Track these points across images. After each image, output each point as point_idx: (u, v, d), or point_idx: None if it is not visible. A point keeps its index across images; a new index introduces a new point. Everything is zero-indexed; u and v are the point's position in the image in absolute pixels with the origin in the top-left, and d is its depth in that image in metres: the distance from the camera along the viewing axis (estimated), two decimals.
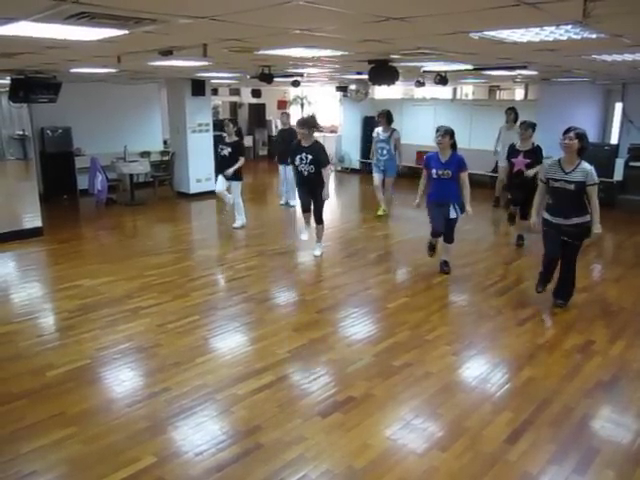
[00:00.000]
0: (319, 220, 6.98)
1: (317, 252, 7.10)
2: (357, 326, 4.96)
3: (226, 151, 8.25)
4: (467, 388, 3.91)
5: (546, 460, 3.07)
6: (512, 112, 9.50)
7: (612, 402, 3.72)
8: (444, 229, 6.09)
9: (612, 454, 3.14)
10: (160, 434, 3.29)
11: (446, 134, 5.89)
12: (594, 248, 7.51)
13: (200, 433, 3.30)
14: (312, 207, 6.91)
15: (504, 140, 9.16)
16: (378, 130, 9.18)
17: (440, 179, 5.92)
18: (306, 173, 6.65)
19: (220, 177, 8.46)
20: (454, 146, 5.98)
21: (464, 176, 5.90)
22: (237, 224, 8.57)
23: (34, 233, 7.82)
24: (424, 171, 6.09)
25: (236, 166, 8.14)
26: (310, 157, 6.58)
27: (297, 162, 6.68)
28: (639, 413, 3.57)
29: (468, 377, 4.08)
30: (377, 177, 9.26)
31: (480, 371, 4.12)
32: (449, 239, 6.19)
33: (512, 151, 6.99)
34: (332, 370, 4.13)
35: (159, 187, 11.35)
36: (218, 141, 8.63)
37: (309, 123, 6.69)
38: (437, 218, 6.08)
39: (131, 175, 10.46)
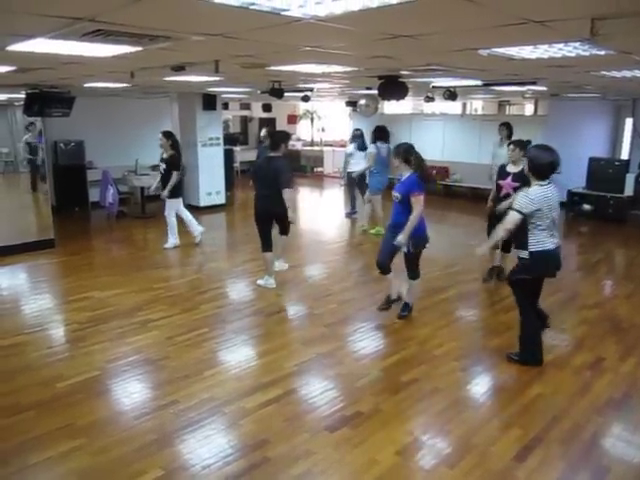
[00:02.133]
0: (283, 231, 6.43)
1: (278, 267, 6.59)
2: (365, 341, 4.95)
3: (162, 168, 7.88)
4: (475, 404, 3.89)
5: (555, 478, 3.04)
6: (505, 128, 7.97)
7: (623, 420, 3.68)
8: (404, 262, 5.30)
9: (623, 473, 3.10)
10: (168, 447, 3.30)
11: (397, 155, 5.05)
12: (605, 264, 7.46)
13: (207, 446, 3.30)
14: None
15: (495, 159, 7.93)
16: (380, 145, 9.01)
17: (395, 203, 5.13)
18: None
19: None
20: (408, 162, 5.02)
21: (414, 201, 4.90)
22: (168, 245, 8.13)
23: (46, 245, 7.90)
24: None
25: (170, 183, 7.68)
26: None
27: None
28: None
29: (476, 393, 4.06)
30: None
31: (488, 387, 4.10)
32: (409, 274, 5.33)
33: (501, 172, 6.16)
34: (340, 385, 4.12)
35: None
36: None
37: (276, 136, 6.11)
38: (383, 245, 5.28)
39: (142, 188, 10.56)
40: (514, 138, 7.17)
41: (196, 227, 8.36)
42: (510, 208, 4.23)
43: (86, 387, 4.02)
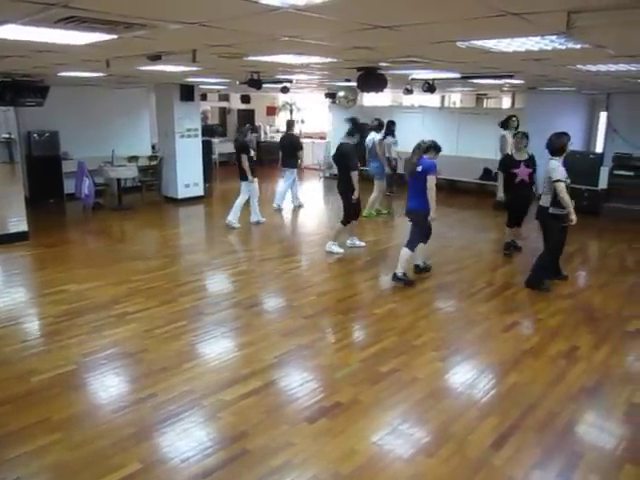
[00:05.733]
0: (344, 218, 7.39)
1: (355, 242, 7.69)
2: (344, 332, 4.97)
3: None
4: (454, 394, 3.94)
5: (531, 465, 3.09)
6: (516, 120, 9.44)
7: (596, 407, 3.76)
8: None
9: (596, 459, 3.17)
10: (146, 440, 3.27)
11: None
12: (579, 255, 7.60)
13: (186, 439, 3.28)
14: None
15: (506, 147, 8.93)
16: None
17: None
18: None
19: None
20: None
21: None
22: (254, 220, 9.03)
23: (19, 237, 7.74)
24: (435, 180, 5.85)
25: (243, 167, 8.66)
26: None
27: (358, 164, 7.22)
28: (622, 418, 3.61)
29: (455, 383, 4.10)
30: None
31: (466, 377, 4.15)
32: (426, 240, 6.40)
33: (511, 162, 6.94)
34: (319, 376, 4.13)
35: (147, 192, 11.30)
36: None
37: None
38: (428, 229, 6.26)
39: (119, 179, 10.40)
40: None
41: (235, 216, 8.77)
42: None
43: (62, 381, 3.96)
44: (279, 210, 10.14)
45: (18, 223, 7.86)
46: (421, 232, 6.08)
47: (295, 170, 10.17)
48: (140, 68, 6.28)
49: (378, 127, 9.56)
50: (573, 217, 5.53)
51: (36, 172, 10.42)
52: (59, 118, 10.50)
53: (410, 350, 4.54)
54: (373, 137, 9.54)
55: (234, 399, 3.73)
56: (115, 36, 3.53)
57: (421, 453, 3.18)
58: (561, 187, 5.50)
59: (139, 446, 3.21)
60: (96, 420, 3.49)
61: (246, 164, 8.50)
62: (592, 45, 3.74)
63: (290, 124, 10.55)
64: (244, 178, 8.65)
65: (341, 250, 7.37)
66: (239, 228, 8.68)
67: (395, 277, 6.08)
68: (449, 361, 4.40)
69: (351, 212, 7.27)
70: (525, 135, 7.03)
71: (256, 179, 8.79)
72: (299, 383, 4.00)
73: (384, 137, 9.60)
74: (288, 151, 10.05)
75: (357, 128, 7.29)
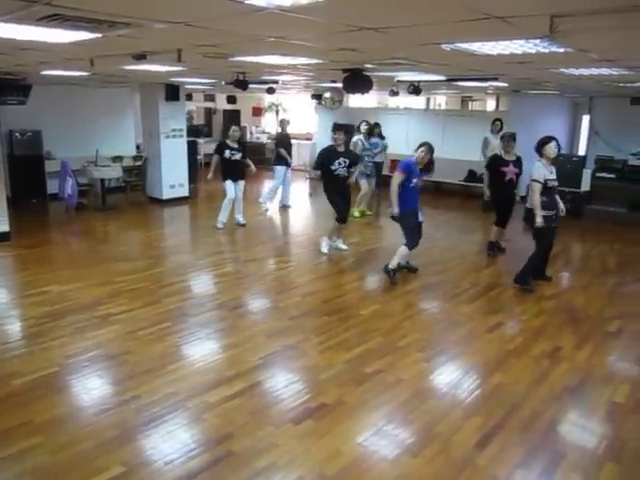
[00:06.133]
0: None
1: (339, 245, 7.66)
2: (330, 333, 4.96)
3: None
4: (438, 394, 3.96)
5: (514, 464, 3.12)
6: (499, 123, 10.12)
7: (578, 407, 3.81)
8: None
9: (578, 458, 3.21)
10: (129, 443, 3.24)
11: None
12: (562, 257, 7.69)
13: (170, 441, 3.26)
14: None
15: (492, 149, 9.37)
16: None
17: (415, 187, 6.12)
18: (342, 177, 7.15)
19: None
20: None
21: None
22: (218, 223, 8.77)
23: (0, 238, 7.63)
24: (400, 178, 5.98)
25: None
26: (348, 161, 7.14)
27: (335, 167, 7.03)
28: (604, 417, 3.66)
29: (439, 383, 4.12)
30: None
31: (451, 377, 4.17)
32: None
33: (499, 161, 7.16)
34: (304, 377, 4.13)
35: (131, 192, 11.21)
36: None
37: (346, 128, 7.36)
38: (417, 229, 6.28)
39: (102, 180, 10.30)
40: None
41: (222, 217, 8.72)
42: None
43: (45, 383, 3.91)
44: (266, 209, 10.10)
45: None
46: (407, 229, 6.17)
47: (284, 168, 10.16)
48: (125, 67, 6.23)
49: (353, 129, 9.98)
50: (538, 220, 5.65)
51: (18, 172, 10.25)
52: (42, 117, 10.38)
53: (395, 351, 4.55)
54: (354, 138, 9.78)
55: (219, 401, 3.71)
56: (99, 35, 3.50)
57: (406, 453, 3.19)
58: (534, 187, 5.70)
59: (122, 449, 3.17)
60: (79, 423, 3.45)
61: (212, 164, 8.65)
62: (575, 49, 3.78)
63: (282, 123, 10.75)
64: (224, 178, 8.63)
65: (326, 251, 7.37)
66: (224, 229, 8.65)
67: (385, 269, 6.20)
68: (434, 362, 4.42)
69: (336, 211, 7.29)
70: (512, 137, 7.20)
71: (242, 181, 8.74)
72: (284, 384, 4.00)
73: (364, 138, 9.87)
74: (279, 149, 10.25)
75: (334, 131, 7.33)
